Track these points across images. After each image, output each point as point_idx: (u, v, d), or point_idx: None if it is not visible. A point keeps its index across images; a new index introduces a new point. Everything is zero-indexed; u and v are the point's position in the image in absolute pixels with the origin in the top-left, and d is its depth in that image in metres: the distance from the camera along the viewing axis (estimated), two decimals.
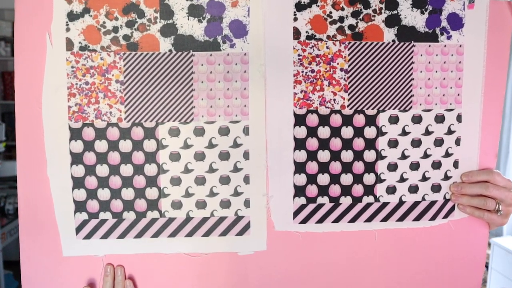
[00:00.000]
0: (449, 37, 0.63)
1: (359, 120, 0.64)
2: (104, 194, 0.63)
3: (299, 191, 0.64)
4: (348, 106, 0.64)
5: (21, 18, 0.60)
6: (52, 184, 0.62)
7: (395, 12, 0.62)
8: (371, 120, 0.64)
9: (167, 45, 0.61)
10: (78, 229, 0.63)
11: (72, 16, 0.60)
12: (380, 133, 0.64)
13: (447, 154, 0.65)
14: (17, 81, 0.61)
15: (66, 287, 0.64)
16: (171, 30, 0.61)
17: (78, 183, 0.63)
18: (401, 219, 0.66)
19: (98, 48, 0.61)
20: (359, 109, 0.64)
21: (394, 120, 0.64)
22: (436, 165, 0.65)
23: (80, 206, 0.63)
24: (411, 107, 0.64)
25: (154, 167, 0.63)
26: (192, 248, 0.65)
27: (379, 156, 0.65)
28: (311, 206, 0.65)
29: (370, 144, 0.64)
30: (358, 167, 0.65)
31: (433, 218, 0.66)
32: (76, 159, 0.62)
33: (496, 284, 2.24)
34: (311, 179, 0.64)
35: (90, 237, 0.64)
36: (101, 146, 0.62)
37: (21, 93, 0.61)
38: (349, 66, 0.63)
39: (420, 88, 0.64)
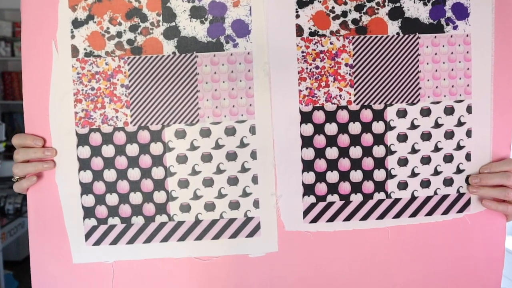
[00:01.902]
0: (455, 27, 0.62)
1: (367, 115, 0.63)
2: (112, 199, 0.63)
3: (308, 189, 0.63)
4: (354, 101, 0.63)
5: (27, 26, 0.61)
6: (60, 190, 0.62)
7: (398, 4, 0.62)
8: (378, 115, 0.63)
9: (171, 47, 0.62)
10: (88, 236, 0.63)
11: (76, 23, 0.61)
12: (388, 127, 0.63)
13: (459, 147, 0.64)
14: (25, 89, 0.62)
15: None
16: (174, 32, 0.61)
17: (86, 188, 0.63)
18: (414, 215, 0.64)
19: (102, 54, 0.62)
20: (366, 104, 0.63)
21: (402, 114, 0.63)
22: (448, 158, 0.64)
23: (89, 212, 0.63)
24: (419, 100, 0.63)
25: (161, 170, 0.63)
26: (202, 251, 0.64)
27: (389, 151, 0.63)
28: (321, 205, 0.64)
29: (379, 139, 0.63)
30: (368, 163, 0.63)
31: (445, 212, 0.64)
32: (84, 164, 0.62)
33: None
34: (320, 177, 0.63)
35: (100, 243, 0.63)
36: (108, 151, 0.62)
37: (29, 101, 0.62)
38: (354, 61, 0.62)
39: (428, 80, 0.63)
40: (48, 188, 0.62)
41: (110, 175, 0.63)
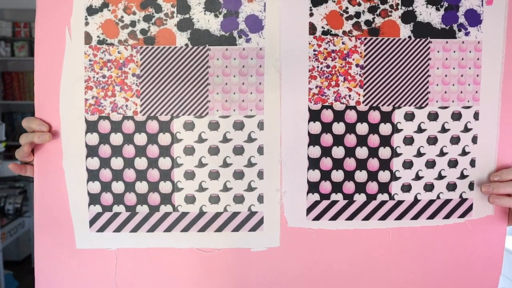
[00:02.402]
0: (467, 34, 0.63)
1: (375, 116, 0.63)
2: (118, 187, 0.63)
3: (313, 187, 0.64)
4: (363, 102, 0.63)
5: (41, 11, 0.61)
6: (67, 176, 0.63)
7: (410, 8, 0.62)
8: (386, 117, 0.63)
9: (184, 39, 0.62)
10: (92, 222, 0.64)
11: (91, 11, 0.61)
12: (395, 130, 0.64)
13: (464, 153, 0.65)
14: (36, 74, 0.62)
15: (78, 279, 0.65)
16: (187, 24, 0.62)
17: (93, 175, 0.63)
18: (416, 217, 0.65)
19: (115, 42, 0.62)
20: (374, 105, 0.63)
21: (410, 117, 0.64)
22: (453, 163, 0.65)
23: (94, 199, 0.63)
24: (427, 104, 0.63)
25: (168, 160, 0.63)
26: (205, 243, 0.64)
27: (395, 153, 0.64)
28: (325, 203, 0.64)
29: (386, 141, 0.64)
30: (373, 164, 0.64)
31: (447, 216, 0.65)
32: (92, 151, 0.63)
33: None
34: (325, 175, 0.64)
35: (104, 230, 0.64)
36: (116, 139, 0.63)
37: (40, 85, 0.62)
38: (364, 62, 0.63)
39: (437, 84, 0.63)
40: (54, 173, 0.63)
41: (117, 163, 0.63)
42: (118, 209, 0.64)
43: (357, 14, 0.62)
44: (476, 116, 0.64)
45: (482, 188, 0.63)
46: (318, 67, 0.62)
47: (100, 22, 0.62)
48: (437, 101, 0.64)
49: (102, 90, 0.62)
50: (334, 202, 0.64)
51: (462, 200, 0.65)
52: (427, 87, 0.63)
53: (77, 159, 0.63)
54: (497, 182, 0.63)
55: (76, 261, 0.64)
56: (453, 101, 0.64)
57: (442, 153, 0.64)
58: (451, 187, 0.65)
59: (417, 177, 0.64)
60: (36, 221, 0.63)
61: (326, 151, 0.63)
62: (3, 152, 2.67)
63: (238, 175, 0.64)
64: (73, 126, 0.62)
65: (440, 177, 0.65)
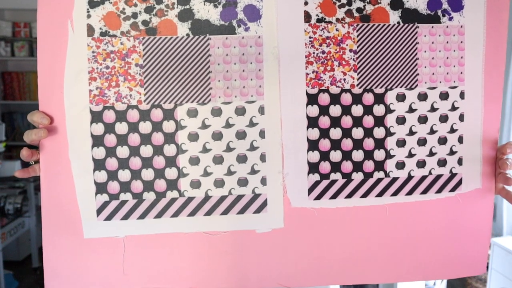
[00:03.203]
0: (450, 19, 0.67)
1: (368, 98, 0.67)
2: (124, 175, 0.65)
3: (313, 167, 0.67)
4: (357, 85, 0.67)
5: (43, 6, 0.62)
6: (73, 166, 0.64)
7: None
8: (379, 98, 0.67)
9: (185, 29, 0.64)
10: (99, 211, 0.65)
11: (93, 4, 0.63)
12: (388, 110, 0.67)
13: (452, 130, 0.69)
14: (39, 66, 0.63)
15: (87, 268, 0.66)
16: (188, 15, 0.64)
17: (99, 165, 0.64)
18: (410, 193, 0.69)
19: (118, 34, 0.63)
20: (368, 88, 0.67)
21: (401, 98, 0.67)
22: (442, 140, 0.69)
23: (101, 188, 0.65)
24: (416, 85, 0.68)
25: (173, 147, 0.65)
26: (211, 226, 0.66)
27: (388, 133, 0.68)
28: (325, 182, 0.67)
29: (379, 121, 0.67)
30: (369, 143, 0.67)
31: (439, 191, 0.69)
32: (97, 141, 0.64)
33: (496, 284, 2.26)
34: (324, 156, 0.67)
35: (111, 218, 0.65)
36: (121, 128, 0.64)
37: (43, 78, 0.63)
38: (357, 47, 0.66)
39: (425, 67, 0.67)
40: (61, 164, 0.64)
41: (123, 151, 0.65)
42: (125, 197, 0.65)
43: (349, 2, 0.66)
44: (462, 95, 0.69)
45: (501, 165, 0.67)
46: (314, 53, 0.66)
47: (102, 14, 0.63)
48: (425, 82, 0.68)
49: (106, 80, 0.64)
50: (334, 181, 0.67)
51: (452, 175, 0.69)
52: (416, 70, 0.67)
53: (83, 149, 0.64)
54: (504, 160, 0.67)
55: (84, 251, 0.65)
56: (440, 82, 0.68)
57: (432, 131, 0.68)
58: (442, 163, 0.69)
59: (410, 155, 0.68)
60: (44, 212, 0.64)
61: (324, 133, 0.67)
62: (3, 152, 2.62)
63: (241, 158, 0.66)
64: (78, 117, 0.64)
65: (431, 154, 0.69)
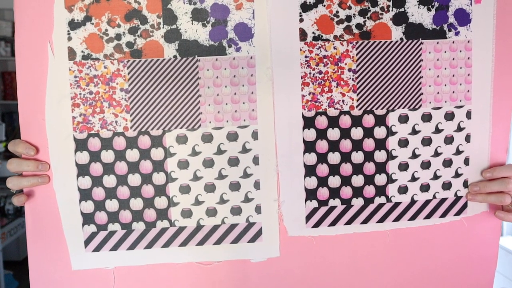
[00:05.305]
0: (457, 33, 0.63)
1: (369, 120, 0.63)
2: (112, 205, 0.62)
3: (311, 194, 0.63)
4: (357, 106, 0.63)
5: (21, 27, 0.58)
6: (58, 197, 0.61)
7: (402, 9, 0.61)
8: (380, 120, 0.63)
9: (172, 51, 0.60)
10: (87, 242, 0.62)
11: (73, 25, 0.59)
12: (390, 133, 0.63)
13: (458, 152, 0.65)
14: (19, 92, 0.59)
15: None
16: (175, 35, 0.60)
17: (85, 195, 0.61)
18: (413, 218, 0.65)
19: (101, 57, 0.60)
20: (368, 109, 0.63)
21: (404, 119, 0.63)
22: (447, 163, 0.65)
23: (88, 219, 0.62)
24: (420, 106, 0.63)
25: (162, 175, 0.62)
26: (204, 256, 0.64)
27: (390, 156, 0.64)
28: (323, 209, 0.64)
29: (381, 144, 0.63)
30: (369, 168, 0.64)
31: (443, 215, 0.66)
32: (83, 170, 0.61)
33: (496, 284, 2.24)
34: (322, 181, 0.63)
35: (100, 249, 0.62)
36: (107, 156, 0.61)
37: (24, 105, 0.60)
38: (357, 66, 0.62)
39: (429, 86, 0.63)
40: (45, 195, 0.61)
41: (109, 180, 0.62)
42: (113, 228, 0.62)
43: (348, 18, 0.61)
44: (468, 115, 0.64)
45: (470, 188, 0.64)
46: (310, 73, 0.61)
47: (84, 36, 0.59)
48: (430, 102, 0.63)
49: (90, 107, 0.60)
50: (333, 208, 0.64)
51: (457, 198, 0.66)
52: (420, 89, 0.63)
53: (68, 179, 0.61)
54: (484, 182, 0.64)
55: (72, 282, 0.63)
56: (445, 101, 0.64)
57: (436, 153, 0.65)
58: (446, 186, 0.65)
59: (413, 179, 0.65)
60: (29, 244, 0.62)
61: (322, 158, 0.63)
62: (3, 152, 2.61)
63: (234, 186, 0.63)
64: (61, 145, 0.60)
65: (436, 177, 0.65)
